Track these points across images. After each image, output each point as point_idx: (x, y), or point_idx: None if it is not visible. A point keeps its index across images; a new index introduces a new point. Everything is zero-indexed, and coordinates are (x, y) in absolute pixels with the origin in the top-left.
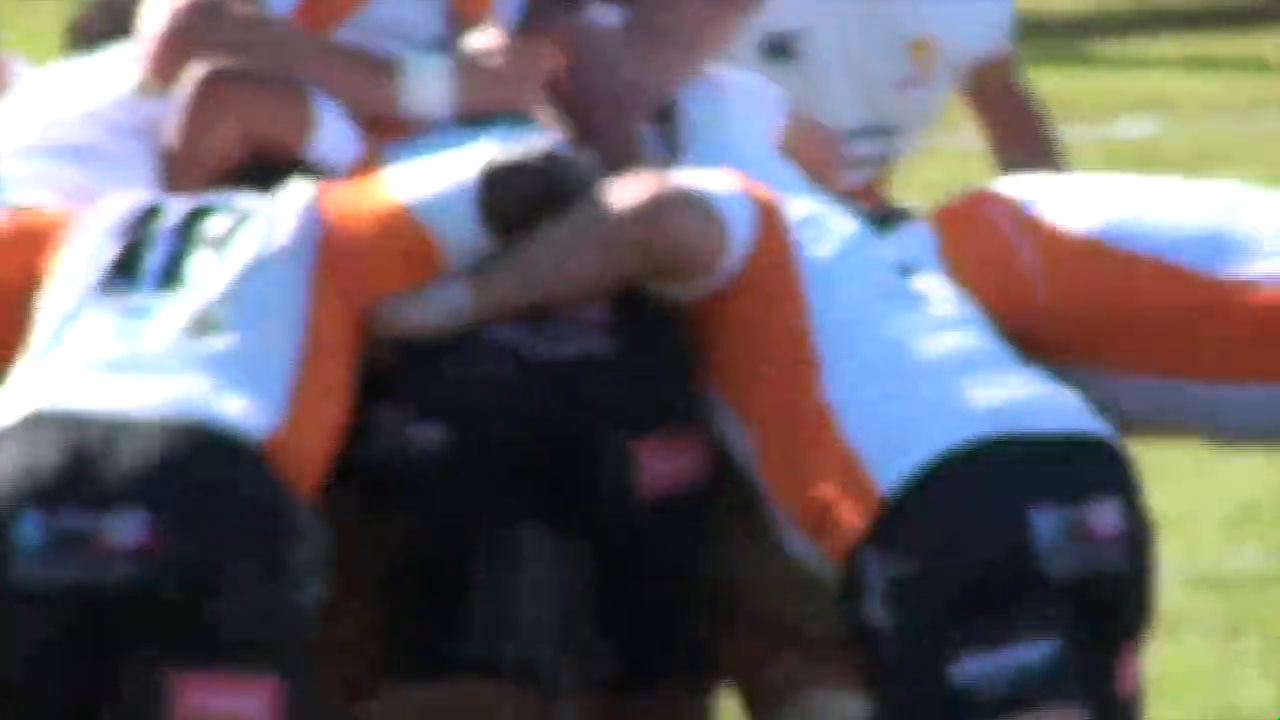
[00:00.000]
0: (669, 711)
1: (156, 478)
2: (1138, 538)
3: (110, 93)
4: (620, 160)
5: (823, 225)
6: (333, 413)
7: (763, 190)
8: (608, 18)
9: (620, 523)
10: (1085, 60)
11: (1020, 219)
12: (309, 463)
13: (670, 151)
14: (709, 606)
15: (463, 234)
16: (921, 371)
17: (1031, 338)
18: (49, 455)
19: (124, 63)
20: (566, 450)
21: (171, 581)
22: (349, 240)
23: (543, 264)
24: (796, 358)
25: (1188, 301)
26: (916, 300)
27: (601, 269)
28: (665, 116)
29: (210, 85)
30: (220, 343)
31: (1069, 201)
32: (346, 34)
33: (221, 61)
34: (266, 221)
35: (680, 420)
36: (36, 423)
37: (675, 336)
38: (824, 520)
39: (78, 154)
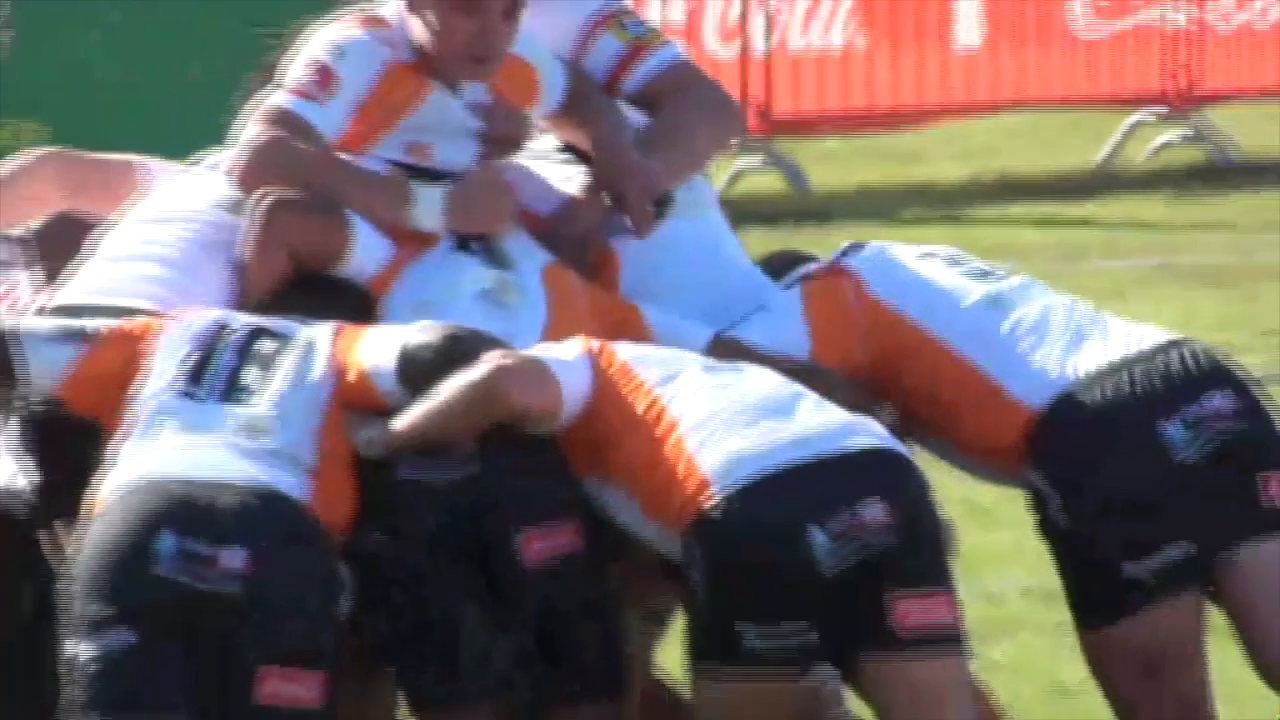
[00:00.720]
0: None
1: (252, 522)
2: (906, 520)
3: (206, 203)
4: (643, 226)
5: (676, 335)
6: (341, 496)
7: (597, 343)
8: (630, 118)
9: (517, 587)
10: (960, 219)
11: (859, 293)
12: (329, 525)
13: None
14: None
15: (392, 391)
16: (737, 419)
17: (857, 377)
18: (173, 501)
19: (219, 177)
20: (473, 542)
21: (260, 598)
22: (343, 384)
23: (421, 418)
24: (654, 420)
25: (951, 389)
26: (729, 370)
27: (461, 422)
28: (660, 201)
29: (269, 213)
30: (268, 443)
31: (898, 282)
32: (396, 133)
33: (281, 190)
34: (303, 352)
35: (550, 508)
36: (153, 483)
37: (532, 454)
38: (670, 510)
39: (172, 264)
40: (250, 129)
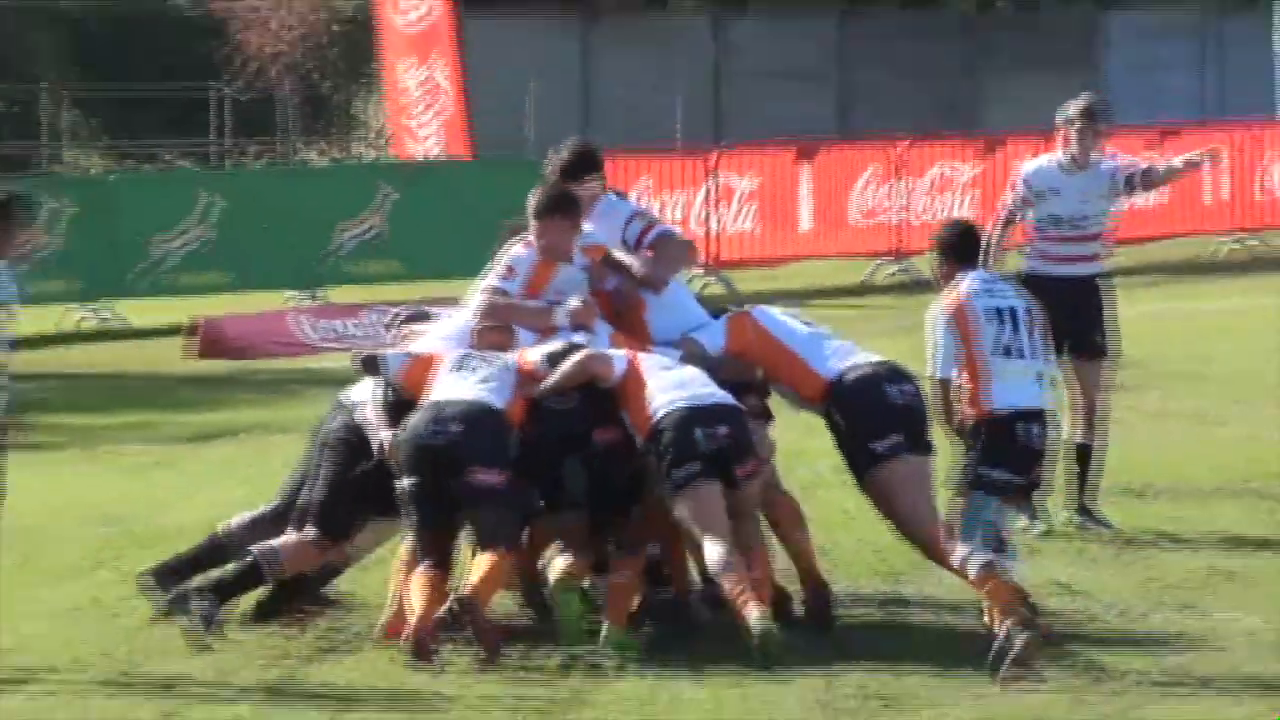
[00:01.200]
0: (628, 524)
1: (476, 415)
2: (737, 434)
3: (463, 319)
4: (659, 289)
5: (668, 350)
6: (518, 410)
7: (629, 351)
8: (619, 279)
9: (591, 454)
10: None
11: (754, 323)
12: (512, 420)
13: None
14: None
15: (544, 368)
16: (675, 383)
17: (747, 361)
18: (442, 407)
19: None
20: (573, 433)
21: (473, 443)
22: (523, 368)
23: (554, 381)
24: (639, 392)
25: (791, 369)
26: (675, 368)
27: (569, 382)
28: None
29: (481, 334)
30: (493, 386)
31: (772, 320)
32: (548, 291)
33: (487, 322)
34: (502, 360)
35: (608, 422)
36: (435, 403)
37: (598, 398)
38: (642, 427)
39: (450, 339)
40: (483, 289)
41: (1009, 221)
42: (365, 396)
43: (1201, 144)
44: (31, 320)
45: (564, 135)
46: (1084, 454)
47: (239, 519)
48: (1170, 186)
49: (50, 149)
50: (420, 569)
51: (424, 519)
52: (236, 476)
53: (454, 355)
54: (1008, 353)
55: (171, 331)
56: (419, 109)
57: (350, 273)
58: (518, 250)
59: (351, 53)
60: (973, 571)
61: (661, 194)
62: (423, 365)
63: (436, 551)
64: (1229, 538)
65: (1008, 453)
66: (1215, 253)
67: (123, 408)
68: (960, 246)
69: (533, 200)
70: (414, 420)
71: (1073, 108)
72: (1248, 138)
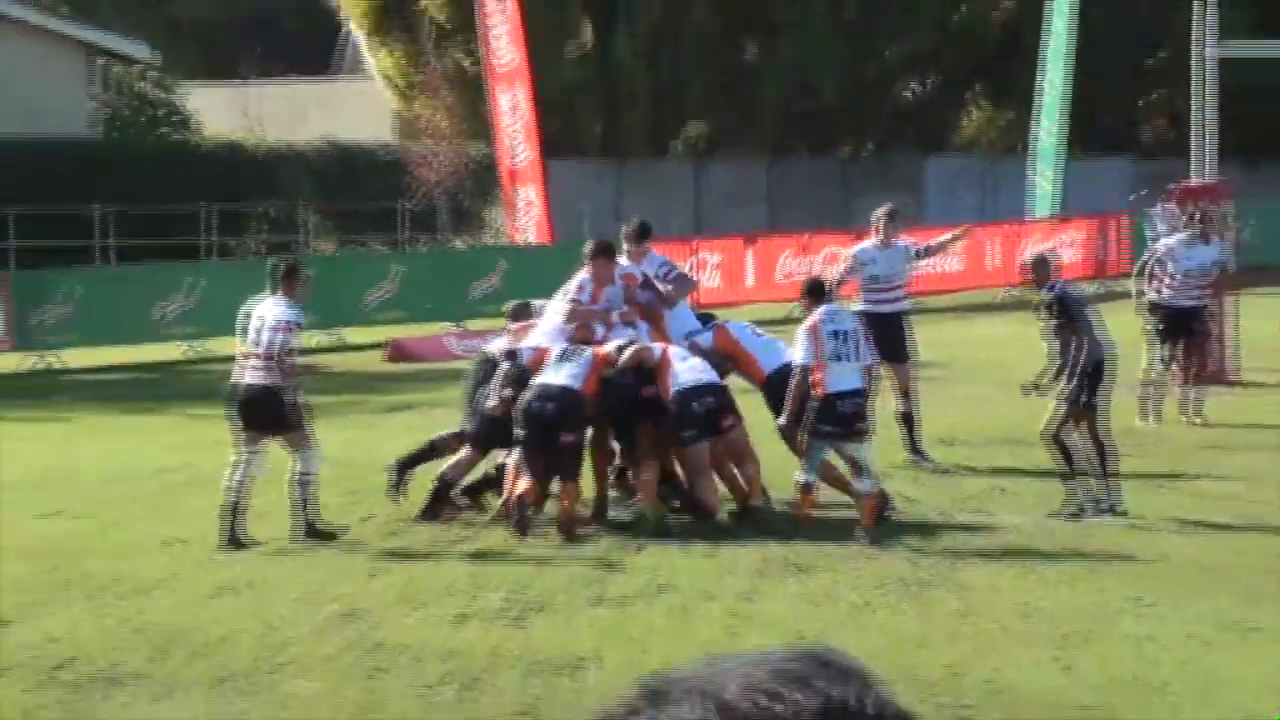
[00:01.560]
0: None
1: (564, 393)
2: (721, 401)
3: (557, 317)
4: (673, 306)
5: (681, 343)
6: (592, 388)
7: (663, 345)
8: (651, 295)
9: (642, 403)
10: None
11: (726, 332)
12: (587, 395)
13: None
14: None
15: (614, 356)
16: (687, 368)
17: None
18: (539, 387)
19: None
20: (631, 394)
21: (567, 413)
22: (599, 356)
23: (622, 362)
24: (666, 371)
25: (748, 363)
26: (689, 355)
27: (631, 364)
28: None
29: (574, 331)
30: (574, 370)
31: (738, 330)
32: (602, 300)
33: (572, 323)
34: (587, 354)
35: (650, 385)
36: (537, 386)
37: (646, 374)
38: (665, 393)
39: (550, 335)
40: (567, 300)
41: (844, 278)
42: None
43: (984, 238)
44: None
45: (605, 233)
46: (908, 419)
47: (443, 432)
48: (965, 256)
49: (301, 239)
50: (524, 479)
51: (530, 454)
52: (413, 433)
53: (557, 350)
54: (838, 358)
55: (374, 347)
56: (521, 215)
57: (479, 312)
58: (582, 275)
59: (483, 180)
60: (798, 485)
61: None
62: (540, 356)
63: (534, 470)
64: (1004, 468)
65: (834, 417)
66: (993, 298)
67: (345, 392)
68: (815, 291)
69: (587, 249)
70: (528, 395)
71: (880, 212)
72: (1012, 230)
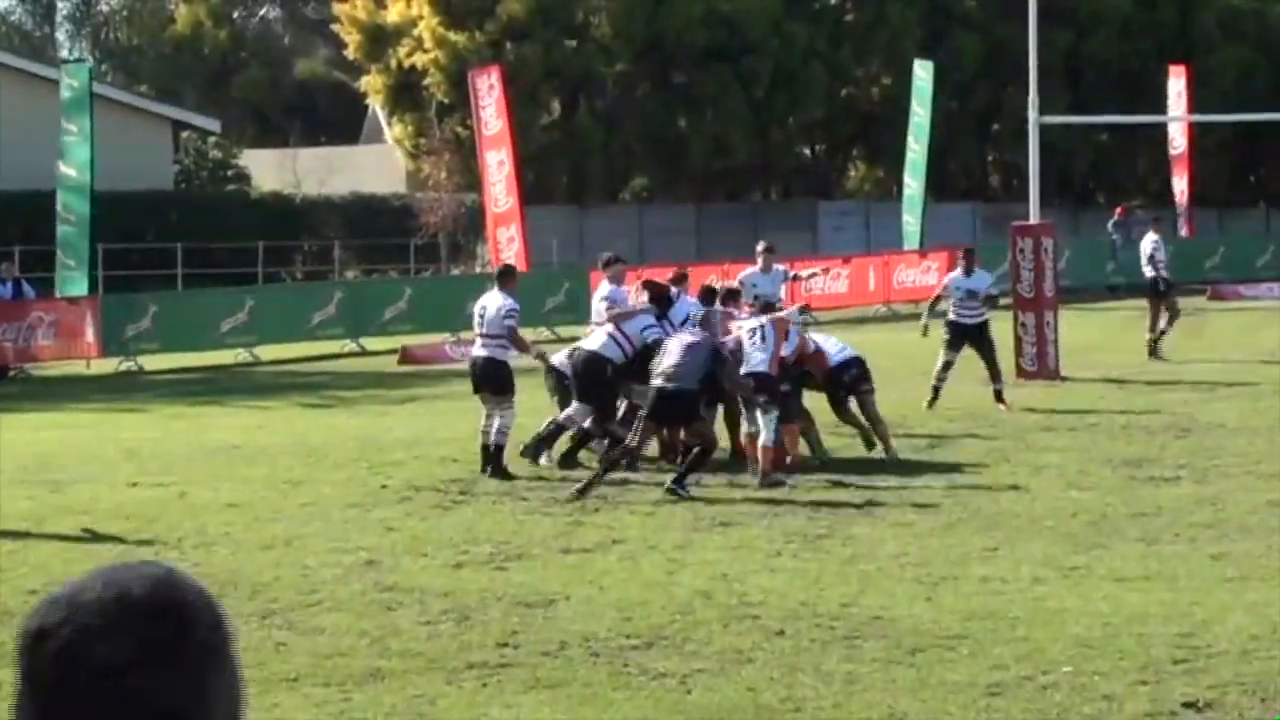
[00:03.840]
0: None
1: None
2: (724, 373)
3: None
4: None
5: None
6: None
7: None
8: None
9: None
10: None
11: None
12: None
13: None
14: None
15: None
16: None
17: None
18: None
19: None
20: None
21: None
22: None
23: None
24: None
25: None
26: (761, 340)
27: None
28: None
29: (610, 317)
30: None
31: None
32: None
33: (614, 315)
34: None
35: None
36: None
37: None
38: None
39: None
40: (603, 297)
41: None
42: (589, 346)
43: (864, 266)
44: (323, 346)
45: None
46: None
47: (568, 411)
48: (850, 280)
49: (338, 269)
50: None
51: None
52: (418, 419)
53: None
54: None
55: (390, 352)
56: (504, 248)
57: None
58: (609, 285)
59: (475, 221)
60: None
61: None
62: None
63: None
64: (935, 434)
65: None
66: (875, 313)
67: (366, 387)
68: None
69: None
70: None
71: (761, 245)
72: (888, 260)
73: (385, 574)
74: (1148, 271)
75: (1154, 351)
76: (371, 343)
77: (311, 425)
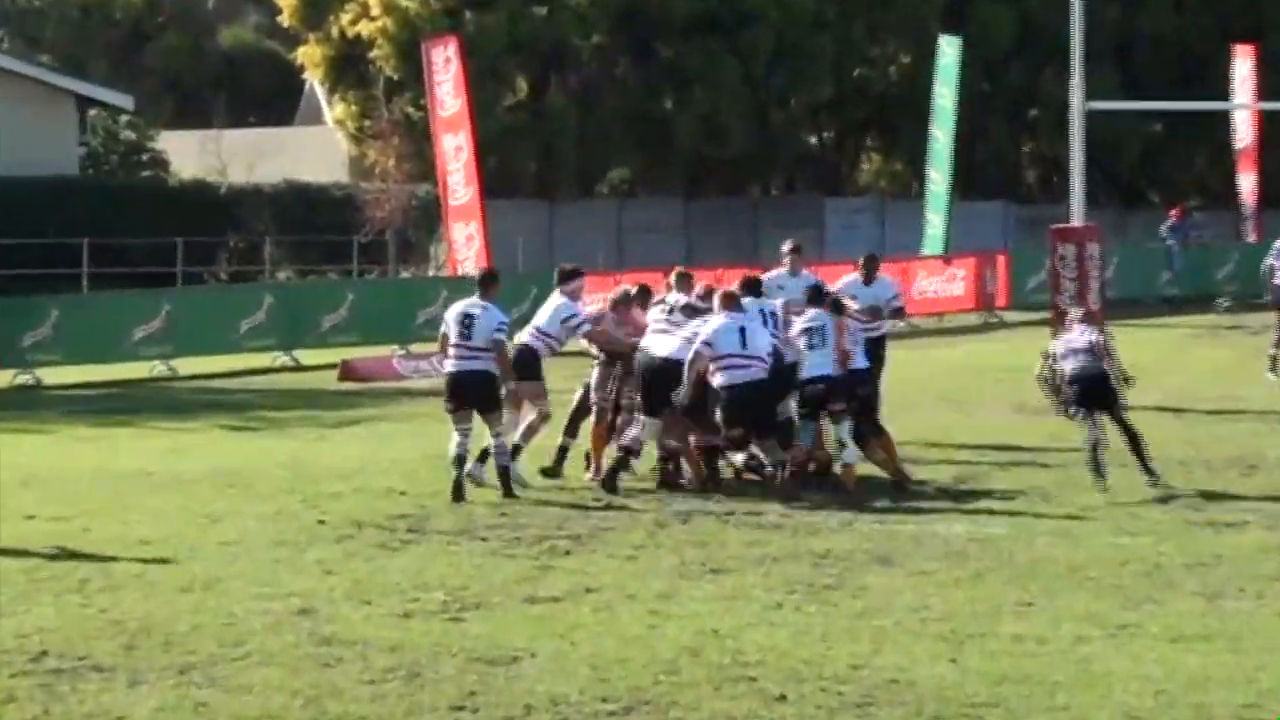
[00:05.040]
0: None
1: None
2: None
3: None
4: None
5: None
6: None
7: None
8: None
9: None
10: None
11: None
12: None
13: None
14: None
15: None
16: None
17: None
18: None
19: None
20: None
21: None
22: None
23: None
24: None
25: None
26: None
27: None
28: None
29: (591, 334)
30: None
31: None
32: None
33: (601, 333)
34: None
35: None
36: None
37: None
38: None
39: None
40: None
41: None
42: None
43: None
44: (250, 359)
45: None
46: None
47: (632, 432)
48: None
49: (269, 269)
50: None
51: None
52: (360, 444)
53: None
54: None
55: (329, 367)
56: (462, 248)
57: (425, 336)
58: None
59: (427, 217)
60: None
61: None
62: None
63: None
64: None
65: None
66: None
67: (299, 407)
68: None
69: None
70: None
71: (788, 245)
72: (906, 267)
73: (322, 624)
74: (1277, 281)
75: (1275, 368)
76: (307, 356)
77: (236, 450)
